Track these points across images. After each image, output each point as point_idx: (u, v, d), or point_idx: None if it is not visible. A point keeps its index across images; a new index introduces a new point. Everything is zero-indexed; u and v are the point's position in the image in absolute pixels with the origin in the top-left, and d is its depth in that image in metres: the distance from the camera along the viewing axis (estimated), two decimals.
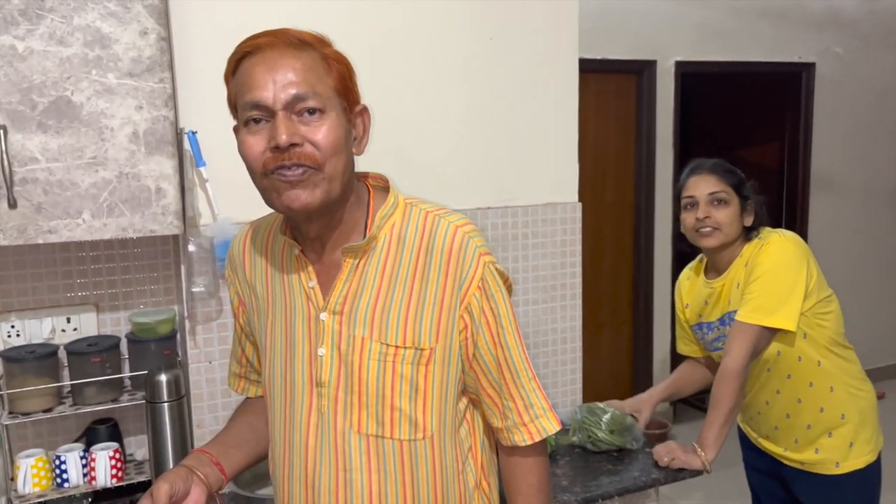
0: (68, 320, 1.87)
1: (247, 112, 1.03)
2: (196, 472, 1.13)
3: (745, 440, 2.21)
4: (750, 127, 5.21)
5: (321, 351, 1.11)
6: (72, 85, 1.52)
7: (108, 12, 1.53)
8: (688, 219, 2.00)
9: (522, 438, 1.17)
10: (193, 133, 1.77)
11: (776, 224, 4.95)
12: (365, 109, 1.12)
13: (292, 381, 1.15)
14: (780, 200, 5.09)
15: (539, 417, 1.18)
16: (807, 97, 4.76)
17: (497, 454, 1.26)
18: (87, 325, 1.89)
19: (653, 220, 4.43)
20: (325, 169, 1.03)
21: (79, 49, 1.52)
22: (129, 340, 1.88)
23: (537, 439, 1.18)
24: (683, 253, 5.09)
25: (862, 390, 2.01)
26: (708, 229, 1.96)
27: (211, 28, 1.80)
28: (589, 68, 3.64)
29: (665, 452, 1.93)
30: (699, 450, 1.89)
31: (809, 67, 4.71)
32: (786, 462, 2.06)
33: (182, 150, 1.71)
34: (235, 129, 1.08)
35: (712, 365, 2.21)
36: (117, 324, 1.92)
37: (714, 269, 2.07)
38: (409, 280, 1.10)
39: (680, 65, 4.33)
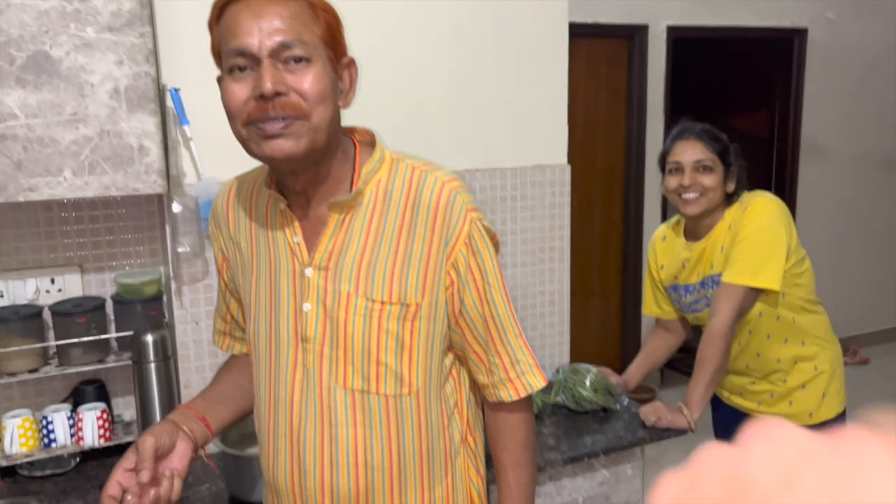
0: (52, 281, 1.86)
1: (231, 59, 1.00)
2: (181, 426, 1.12)
3: (715, 400, 2.22)
4: (741, 93, 5.20)
5: (306, 306, 1.11)
6: (50, 39, 1.49)
7: None
8: (671, 182, 1.99)
9: (508, 394, 1.18)
10: (176, 90, 1.74)
11: (767, 183, 4.89)
12: (352, 62, 1.10)
13: (277, 337, 1.14)
14: (770, 168, 5.09)
15: (525, 373, 1.18)
16: (798, 63, 4.73)
17: (483, 410, 1.27)
18: (71, 286, 1.87)
19: (643, 187, 4.43)
20: (312, 118, 1.01)
21: (56, 2, 1.48)
22: (114, 301, 1.87)
23: (523, 395, 1.18)
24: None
25: (830, 342, 2.08)
26: (692, 195, 1.95)
27: None
28: (580, 33, 3.61)
29: (651, 412, 1.95)
30: (685, 409, 1.91)
31: (801, 33, 4.68)
32: (758, 417, 2.07)
33: (165, 107, 1.69)
34: (219, 79, 1.06)
35: (679, 327, 2.25)
36: (102, 285, 1.91)
37: (692, 233, 2.07)
38: (395, 236, 1.09)
39: (672, 30, 4.29)
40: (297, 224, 1.12)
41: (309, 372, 1.12)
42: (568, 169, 2.27)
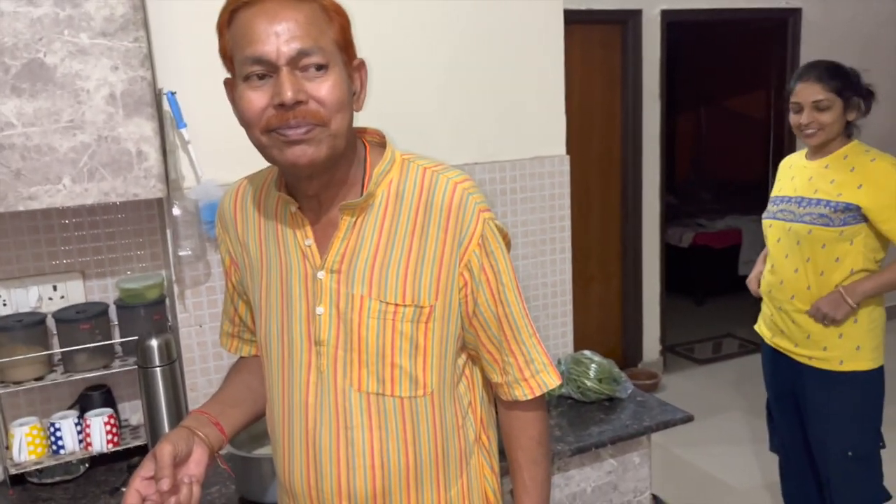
0: (55, 288, 1.85)
1: (247, 67, 0.98)
2: (197, 432, 1.12)
3: (766, 353, 2.47)
4: (737, 75, 5.19)
5: (319, 310, 1.10)
6: (44, 46, 1.48)
7: None
8: (793, 120, 2.27)
9: (523, 393, 1.18)
10: (173, 94, 1.73)
11: (765, 172, 4.91)
12: (362, 63, 1.09)
13: (290, 340, 1.14)
14: (768, 148, 5.09)
15: (539, 372, 1.18)
16: (793, 43, 4.72)
17: (495, 408, 1.27)
18: (73, 292, 1.87)
19: (640, 172, 4.42)
20: (331, 126, 1.00)
21: (49, 9, 1.47)
22: (117, 307, 1.86)
23: (538, 394, 1.19)
24: (671, 205, 5.05)
25: (877, 302, 2.26)
26: (811, 131, 2.22)
27: None
28: (573, 19, 3.59)
29: (825, 315, 2.19)
30: (846, 296, 2.16)
31: (796, 13, 4.66)
32: (795, 357, 2.32)
33: (162, 111, 1.68)
34: (227, 83, 1.05)
35: None
36: (104, 290, 1.90)
37: (812, 154, 2.33)
38: (407, 237, 1.09)
39: (666, 13, 4.27)
40: (308, 227, 1.11)
41: (323, 375, 1.12)
42: (567, 160, 2.27)
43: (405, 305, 1.09)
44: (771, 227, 2.38)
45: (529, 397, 1.18)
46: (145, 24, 1.57)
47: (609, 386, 2.06)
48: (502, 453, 1.27)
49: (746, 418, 3.98)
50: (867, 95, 2.26)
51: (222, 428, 1.17)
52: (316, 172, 1.04)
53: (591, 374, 2.06)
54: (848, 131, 2.27)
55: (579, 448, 1.85)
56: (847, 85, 2.21)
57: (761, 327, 2.49)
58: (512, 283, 1.15)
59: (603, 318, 4.57)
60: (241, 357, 1.36)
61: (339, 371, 1.11)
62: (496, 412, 1.27)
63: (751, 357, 4.81)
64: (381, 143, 1.16)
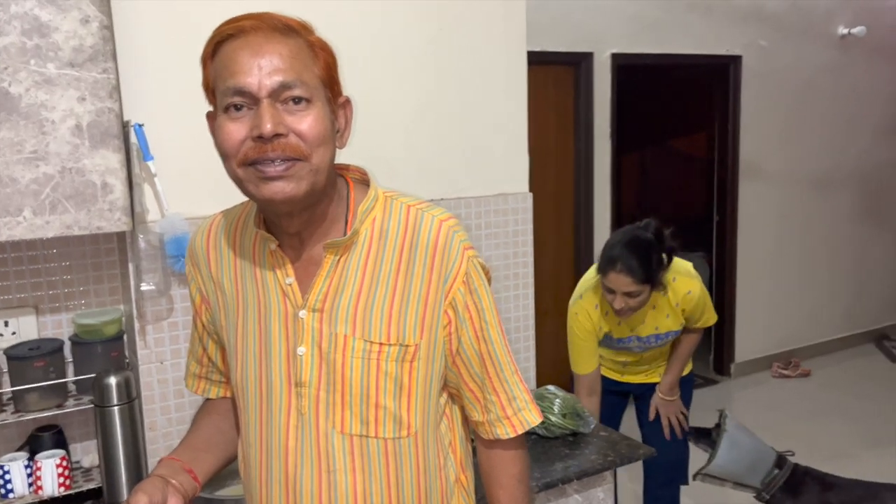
0: (6, 324, 1.78)
1: (228, 98, 0.97)
2: (170, 480, 1.08)
3: (607, 381, 2.66)
4: (682, 117, 5.39)
5: (301, 350, 1.08)
6: (9, 76, 1.44)
7: None
8: (607, 296, 2.29)
9: (506, 431, 1.17)
10: (140, 126, 1.70)
11: (708, 210, 5.05)
12: (348, 101, 1.08)
13: (268, 382, 1.11)
14: (711, 187, 5.28)
15: (522, 410, 1.18)
16: (734, 88, 4.93)
17: (473, 447, 1.26)
18: (26, 328, 1.80)
19: (592, 210, 4.52)
20: (312, 160, 0.99)
21: (16, 38, 1.44)
22: (73, 343, 1.80)
23: (520, 432, 1.18)
24: None
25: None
26: (623, 310, 2.28)
27: (156, 16, 1.74)
28: (528, 60, 3.69)
29: (670, 416, 2.56)
30: (667, 397, 2.55)
31: (736, 60, 4.88)
32: (650, 382, 2.66)
33: (129, 143, 1.65)
34: (209, 115, 1.03)
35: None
36: (59, 326, 1.84)
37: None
38: (392, 275, 1.08)
39: (616, 57, 4.42)
40: (289, 265, 1.09)
41: (304, 417, 1.09)
42: (529, 197, 2.31)
43: (390, 344, 1.07)
44: (628, 352, 2.57)
45: (512, 436, 1.18)
46: (114, 56, 1.54)
47: (573, 421, 2.08)
48: (478, 492, 1.26)
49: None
50: (670, 253, 2.33)
51: (195, 475, 1.14)
52: (295, 209, 1.03)
53: (556, 409, 2.07)
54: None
55: (546, 484, 1.85)
56: (656, 270, 2.26)
57: (608, 372, 2.65)
58: (495, 320, 1.15)
59: (557, 352, 4.59)
60: (208, 399, 1.32)
61: (321, 413, 1.08)
62: (473, 451, 1.27)
63: (707, 387, 4.93)
64: (363, 180, 1.15)
